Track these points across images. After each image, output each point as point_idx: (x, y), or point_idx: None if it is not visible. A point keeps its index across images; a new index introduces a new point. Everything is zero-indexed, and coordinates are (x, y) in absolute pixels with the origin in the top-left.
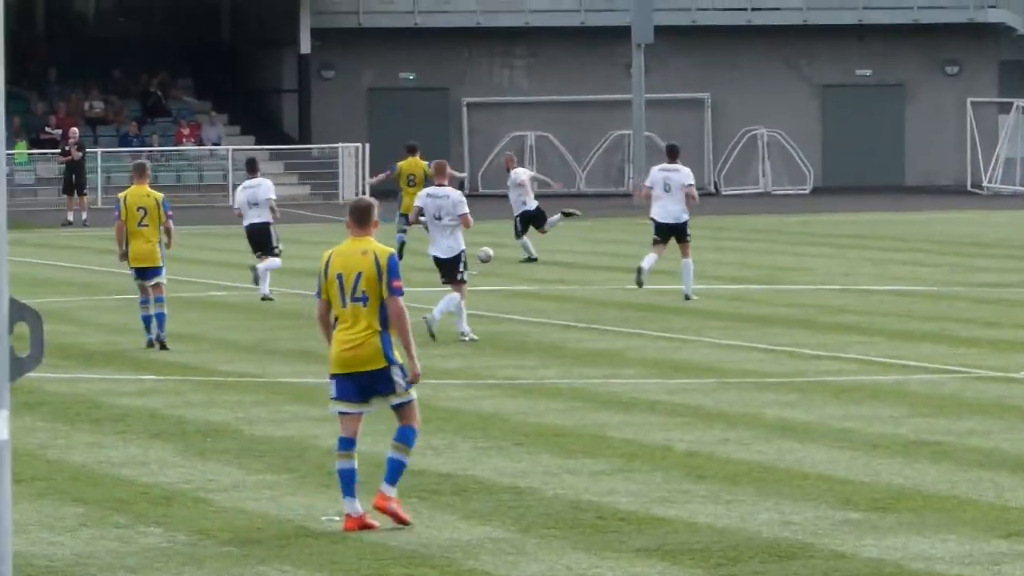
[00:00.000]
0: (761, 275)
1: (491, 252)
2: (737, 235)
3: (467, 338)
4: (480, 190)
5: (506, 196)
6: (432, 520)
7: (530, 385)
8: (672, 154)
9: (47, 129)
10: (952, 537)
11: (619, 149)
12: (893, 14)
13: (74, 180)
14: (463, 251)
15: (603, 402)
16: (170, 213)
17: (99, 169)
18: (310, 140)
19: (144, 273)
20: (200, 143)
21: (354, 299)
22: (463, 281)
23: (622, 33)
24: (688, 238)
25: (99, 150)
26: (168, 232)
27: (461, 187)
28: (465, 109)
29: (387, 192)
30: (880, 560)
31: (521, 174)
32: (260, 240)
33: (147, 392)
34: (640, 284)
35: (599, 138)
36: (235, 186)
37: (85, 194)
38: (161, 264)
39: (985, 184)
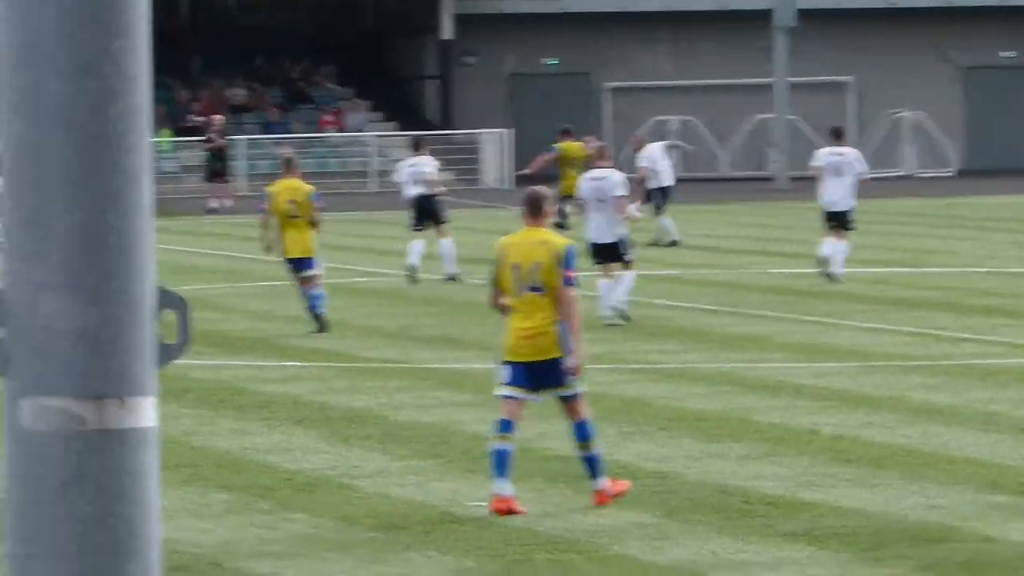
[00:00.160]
0: (905, 258)
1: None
2: (881, 218)
3: (616, 318)
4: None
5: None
6: (577, 505)
7: (672, 369)
8: (837, 135)
9: (191, 116)
10: None
11: (762, 133)
12: None
13: (218, 167)
14: (626, 234)
15: (749, 386)
16: (319, 205)
17: (243, 156)
18: (452, 126)
19: (298, 264)
20: (343, 130)
21: (530, 289)
22: (629, 261)
23: (764, 16)
24: (851, 226)
25: (243, 137)
26: (314, 224)
27: None
28: (608, 94)
29: (544, 178)
30: None
31: (652, 151)
32: (428, 209)
33: (291, 379)
34: (831, 277)
35: (741, 122)
36: (379, 172)
37: (228, 181)
38: (314, 255)
39: None
